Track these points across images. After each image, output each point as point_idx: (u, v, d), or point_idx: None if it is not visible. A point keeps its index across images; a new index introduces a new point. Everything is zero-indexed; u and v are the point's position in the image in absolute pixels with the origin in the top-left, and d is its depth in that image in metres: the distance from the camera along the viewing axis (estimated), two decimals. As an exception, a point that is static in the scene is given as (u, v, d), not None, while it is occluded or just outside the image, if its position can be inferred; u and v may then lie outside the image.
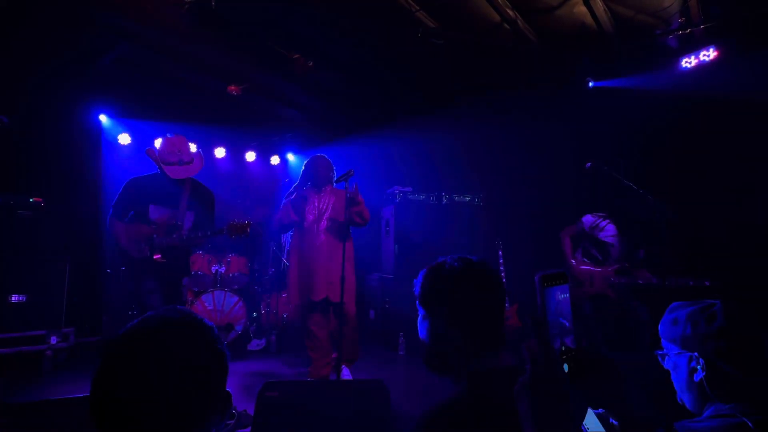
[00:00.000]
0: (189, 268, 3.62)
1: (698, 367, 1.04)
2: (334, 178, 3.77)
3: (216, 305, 5.08)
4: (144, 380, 0.74)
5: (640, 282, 3.65)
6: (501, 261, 4.64)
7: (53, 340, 4.10)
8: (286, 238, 3.83)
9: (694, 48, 4.01)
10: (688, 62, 4.05)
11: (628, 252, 3.90)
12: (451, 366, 1.15)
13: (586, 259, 4.05)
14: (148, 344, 0.77)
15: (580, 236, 4.09)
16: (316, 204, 3.71)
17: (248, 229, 3.28)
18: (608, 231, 3.93)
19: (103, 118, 5.57)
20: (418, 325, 1.21)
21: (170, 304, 3.24)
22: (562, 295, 0.66)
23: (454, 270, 1.15)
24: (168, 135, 3.40)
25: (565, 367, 0.64)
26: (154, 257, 3.15)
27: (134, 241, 3.18)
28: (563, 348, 0.65)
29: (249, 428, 1.91)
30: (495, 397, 1.02)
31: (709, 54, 3.93)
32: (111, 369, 0.76)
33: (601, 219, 3.97)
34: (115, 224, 3.21)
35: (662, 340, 1.16)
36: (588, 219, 4.02)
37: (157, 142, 4.88)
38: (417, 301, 1.20)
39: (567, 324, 0.66)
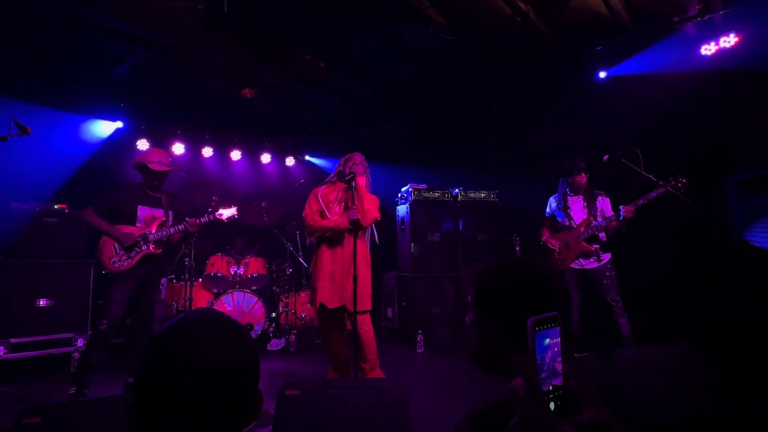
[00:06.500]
0: (166, 270, 4.03)
1: None
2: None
3: (236, 306, 5.17)
4: (188, 376, 0.73)
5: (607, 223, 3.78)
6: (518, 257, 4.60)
7: (80, 342, 4.23)
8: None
9: (713, 34, 3.89)
10: (708, 49, 3.94)
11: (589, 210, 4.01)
12: (506, 366, 1.10)
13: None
14: (192, 340, 0.77)
15: (551, 219, 4.29)
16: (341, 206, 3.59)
17: (236, 211, 3.84)
18: (553, 201, 4.26)
19: (122, 125, 5.67)
20: (468, 322, 1.17)
21: (145, 304, 3.47)
22: (553, 339, 0.69)
23: (510, 270, 1.12)
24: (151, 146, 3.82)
25: (552, 405, 0.67)
26: (151, 248, 3.49)
27: (124, 243, 3.42)
28: (551, 387, 0.68)
29: (270, 427, 1.93)
30: None
31: (730, 40, 3.82)
32: (155, 365, 0.75)
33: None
34: (94, 218, 3.45)
35: None
36: (549, 202, 4.32)
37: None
38: (470, 299, 1.16)
39: (557, 367, 0.70)
